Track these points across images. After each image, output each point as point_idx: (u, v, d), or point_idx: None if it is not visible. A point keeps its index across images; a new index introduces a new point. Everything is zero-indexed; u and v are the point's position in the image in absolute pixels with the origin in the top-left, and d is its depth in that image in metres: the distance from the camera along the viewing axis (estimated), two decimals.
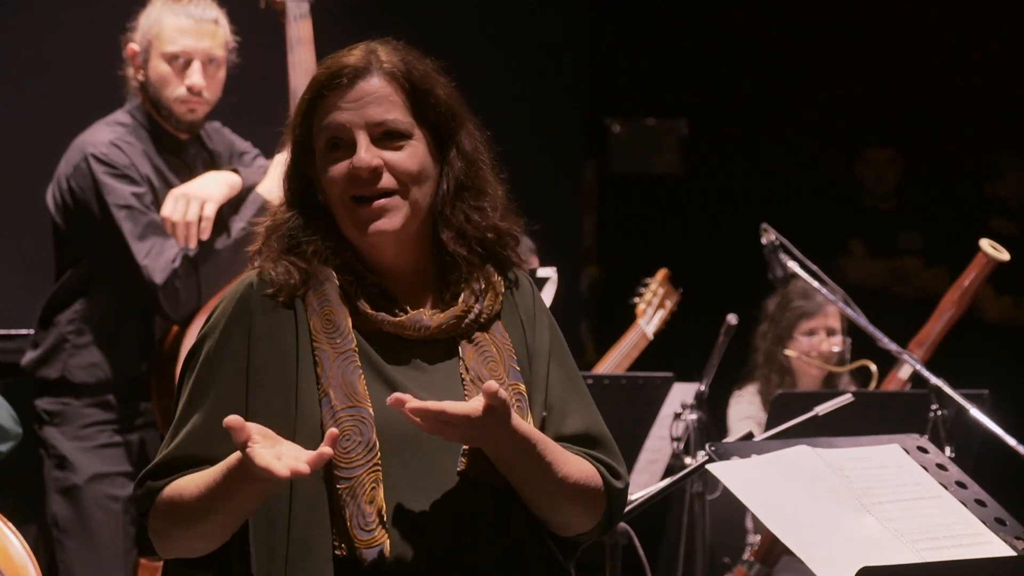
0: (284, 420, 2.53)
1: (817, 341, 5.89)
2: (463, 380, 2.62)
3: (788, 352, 5.88)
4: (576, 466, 2.64)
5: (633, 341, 5.71)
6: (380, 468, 2.52)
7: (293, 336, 2.58)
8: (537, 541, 2.66)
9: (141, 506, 2.59)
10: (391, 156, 2.60)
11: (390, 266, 2.65)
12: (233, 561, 2.59)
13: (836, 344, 5.88)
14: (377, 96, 2.60)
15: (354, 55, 2.63)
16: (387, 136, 2.61)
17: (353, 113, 2.60)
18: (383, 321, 2.61)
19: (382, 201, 2.59)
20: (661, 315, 5.73)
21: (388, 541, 2.51)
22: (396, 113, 2.61)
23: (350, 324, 2.59)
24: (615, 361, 5.67)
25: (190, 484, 2.53)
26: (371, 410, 2.54)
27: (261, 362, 2.57)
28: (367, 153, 2.58)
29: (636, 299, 5.75)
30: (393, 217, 2.60)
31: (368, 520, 2.50)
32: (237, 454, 2.43)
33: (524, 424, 2.56)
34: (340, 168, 2.60)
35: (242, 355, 2.57)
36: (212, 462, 2.52)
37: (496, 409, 2.46)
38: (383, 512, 2.51)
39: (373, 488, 2.51)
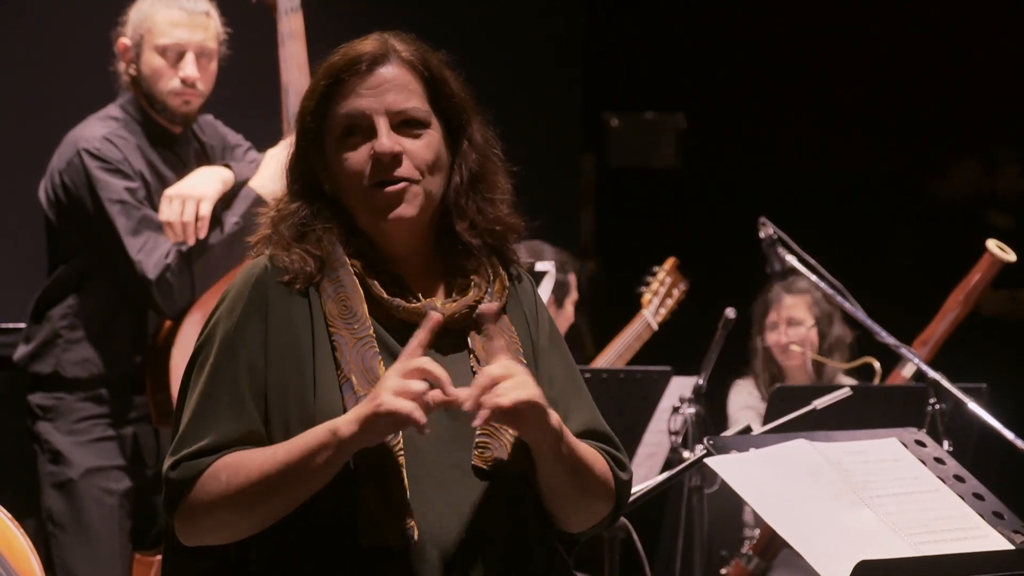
0: (300, 403, 2.53)
1: (777, 334, 5.90)
2: (474, 372, 2.61)
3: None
4: (593, 458, 2.66)
5: (637, 332, 5.69)
6: (404, 455, 2.52)
7: (308, 321, 2.57)
8: (543, 534, 2.67)
9: (175, 489, 2.51)
10: (410, 144, 2.61)
11: (401, 255, 2.66)
12: (233, 551, 2.57)
13: (795, 335, 5.86)
14: (396, 83, 2.61)
15: (369, 43, 2.63)
16: (406, 124, 2.61)
17: (373, 99, 2.60)
18: (398, 307, 2.60)
19: (400, 186, 2.58)
20: (668, 305, 5.71)
21: (416, 530, 2.51)
22: (415, 101, 2.62)
23: (366, 310, 2.58)
24: (617, 351, 5.66)
25: (257, 459, 2.48)
26: None
27: (278, 345, 2.55)
28: (388, 139, 2.58)
29: (642, 288, 5.73)
30: (411, 204, 2.60)
31: (399, 509, 2.50)
32: (347, 422, 2.43)
33: (555, 414, 2.58)
34: (359, 154, 2.59)
35: (260, 338, 2.55)
36: (243, 443, 2.50)
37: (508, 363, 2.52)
38: (408, 501, 2.51)
39: (399, 476, 2.51)
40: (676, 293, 5.72)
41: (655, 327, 5.65)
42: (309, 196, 2.64)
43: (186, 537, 2.55)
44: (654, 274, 5.73)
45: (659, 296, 5.69)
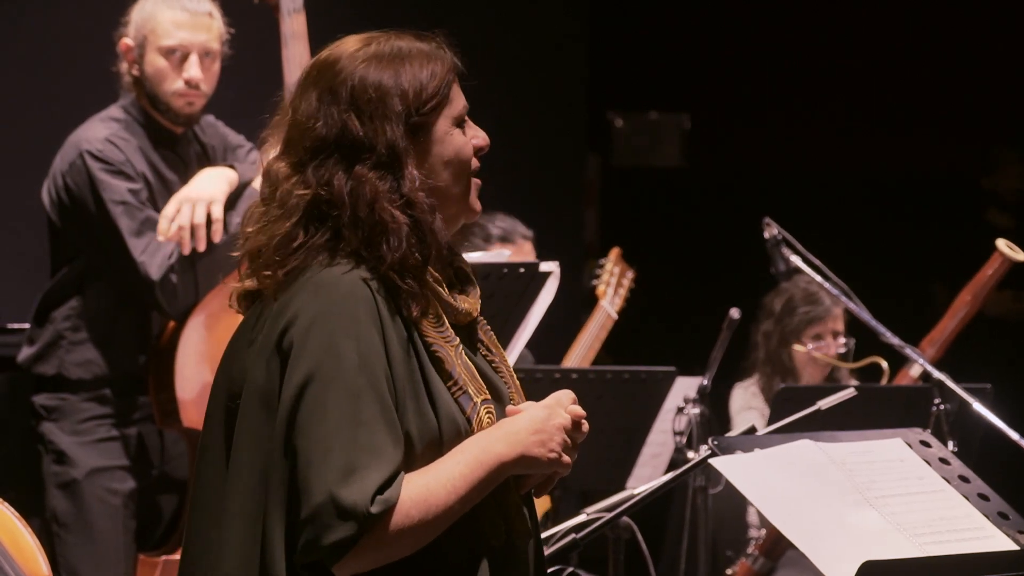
0: (418, 416, 2.52)
1: (824, 345, 5.90)
2: (493, 364, 2.67)
3: (797, 347, 5.88)
4: None
5: (600, 323, 5.76)
6: None
7: (404, 331, 2.55)
8: None
9: (370, 522, 2.44)
10: None
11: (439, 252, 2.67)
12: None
13: (841, 346, 5.88)
14: None
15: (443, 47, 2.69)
16: None
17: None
18: (461, 311, 2.62)
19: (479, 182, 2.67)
20: (621, 294, 5.78)
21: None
22: None
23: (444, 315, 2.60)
24: (586, 345, 5.72)
25: (439, 493, 2.49)
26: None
27: (394, 359, 2.52)
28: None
29: (594, 281, 5.80)
30: None
31: (518, 506, 2.57)
32: (512, 459, 2.53)
33: None
34: (469, 145, 2.64)
35: (384, 354, 2.51)
36: (401, 467, 2.49)
37: None
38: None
39: (510, 478, 2.57)
40: (626, 281, 5.82)
41: (615, 316, 5.73)
42: (394, 177, 2.58)
43: (350, 568, 2.47)
44: (602, 266, 5.81)
45: (612, 286, 5.78)
